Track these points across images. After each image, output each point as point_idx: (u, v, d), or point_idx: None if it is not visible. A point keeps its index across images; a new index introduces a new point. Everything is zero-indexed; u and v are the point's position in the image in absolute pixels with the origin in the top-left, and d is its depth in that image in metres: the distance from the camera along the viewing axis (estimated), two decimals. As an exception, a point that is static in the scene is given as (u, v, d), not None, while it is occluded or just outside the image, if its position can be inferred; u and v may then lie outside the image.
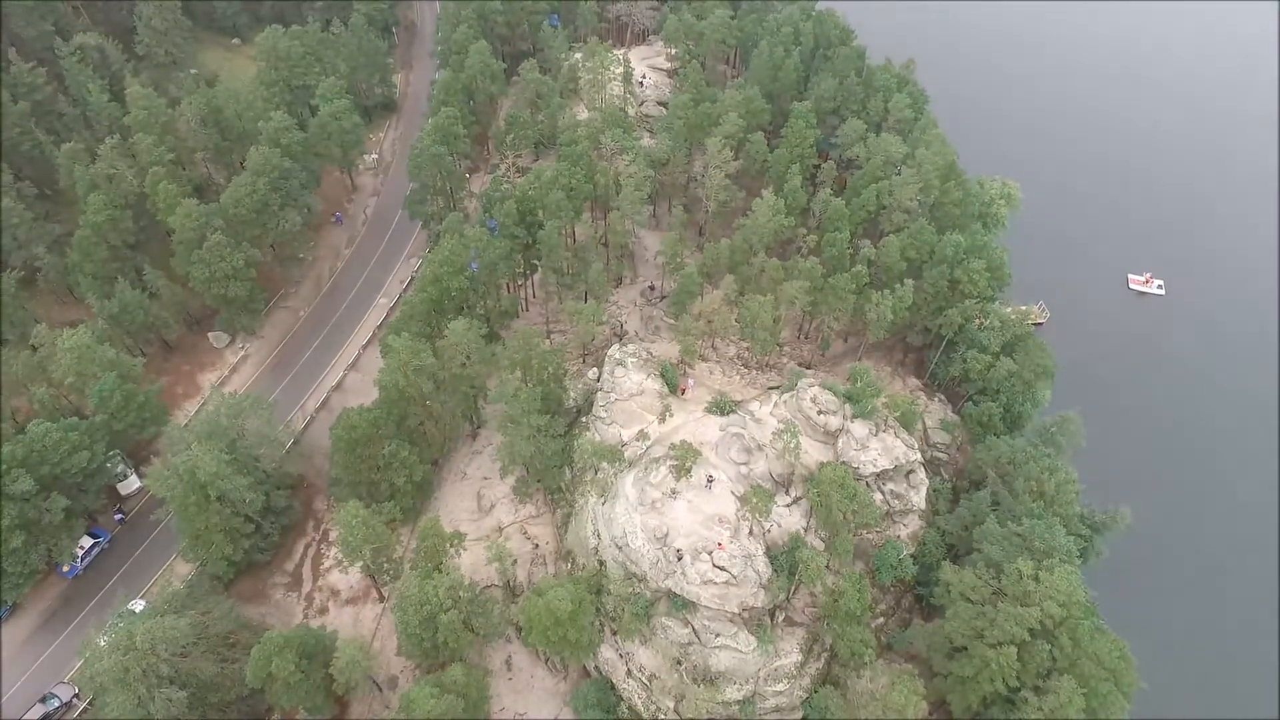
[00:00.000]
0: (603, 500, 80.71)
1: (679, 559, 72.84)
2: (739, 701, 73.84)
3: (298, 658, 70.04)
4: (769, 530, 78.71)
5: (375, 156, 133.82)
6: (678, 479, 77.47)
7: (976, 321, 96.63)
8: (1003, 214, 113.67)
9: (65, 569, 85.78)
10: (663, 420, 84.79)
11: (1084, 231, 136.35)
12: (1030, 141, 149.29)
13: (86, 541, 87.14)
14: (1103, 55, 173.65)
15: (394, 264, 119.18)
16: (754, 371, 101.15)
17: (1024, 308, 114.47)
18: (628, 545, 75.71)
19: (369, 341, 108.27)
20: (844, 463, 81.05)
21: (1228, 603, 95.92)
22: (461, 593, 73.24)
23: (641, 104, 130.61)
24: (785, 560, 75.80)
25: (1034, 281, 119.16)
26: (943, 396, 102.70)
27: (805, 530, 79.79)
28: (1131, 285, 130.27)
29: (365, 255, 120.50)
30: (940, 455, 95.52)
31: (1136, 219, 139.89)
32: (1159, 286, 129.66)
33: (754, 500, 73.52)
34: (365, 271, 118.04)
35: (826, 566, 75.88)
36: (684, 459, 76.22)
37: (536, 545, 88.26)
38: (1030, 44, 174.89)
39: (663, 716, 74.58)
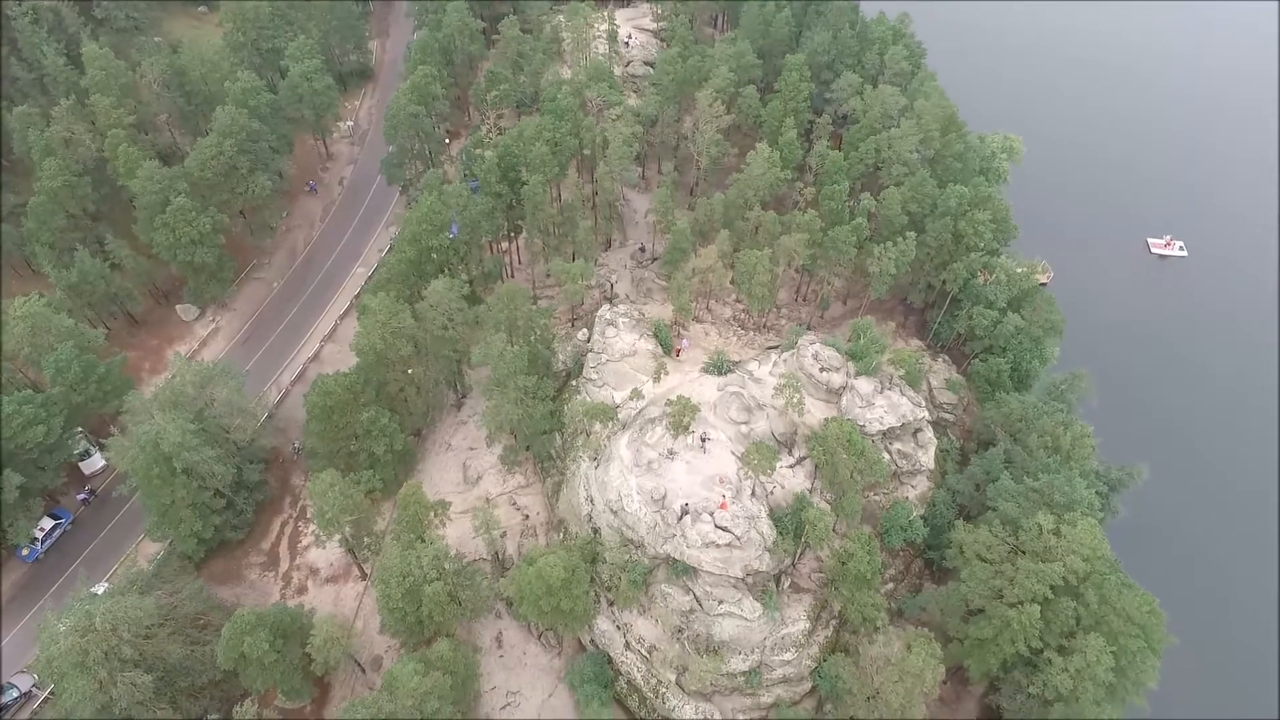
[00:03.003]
0: (596, 463, 76.14)
1: (682, 516, 68.22)
2: (744, 672, 69.54)
3: (272, 636, 65.55)
4: (771, 492, 74.39)
5: (351, 124, 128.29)
6: (675, 438, 72.91)
7: (981, 277, 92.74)
8: (1004, 168, 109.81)
9: (24, 552, 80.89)
10: (657, 380, 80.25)
11: (1092, 193, 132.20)
12: (1036, 101, 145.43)
13: (47, 523, 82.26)
14: (1109, 13, 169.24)
15: (371, 233, 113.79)
16: (751, 333, 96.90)
17: (1028, 264, 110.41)
18: (623, 509, 71.15)
19: (346, 312, 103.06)
20: (849, 419, 76.76)
21: (1229, 585, 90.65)
22: (446, 564, 68.65)
23: (628, 64, 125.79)
24: (790, 522, 71.41)
25: (1043, 243, 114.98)
26: (947, 357, 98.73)
27: (810, 491, 75.53)
28: (1153, 249, 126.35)
29: (341, 225, 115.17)
30: (947, 416, 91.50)
31: (1148, 180, 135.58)
32: (1180, 248, 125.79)
33: (755, 458, 69.07)
34: (341, 241, 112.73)
35: (833, 529, 71.84)
36: (681, 415, 71.61)
37: (526, 516, 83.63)
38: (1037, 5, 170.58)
39: (664, 689, 70.22)
